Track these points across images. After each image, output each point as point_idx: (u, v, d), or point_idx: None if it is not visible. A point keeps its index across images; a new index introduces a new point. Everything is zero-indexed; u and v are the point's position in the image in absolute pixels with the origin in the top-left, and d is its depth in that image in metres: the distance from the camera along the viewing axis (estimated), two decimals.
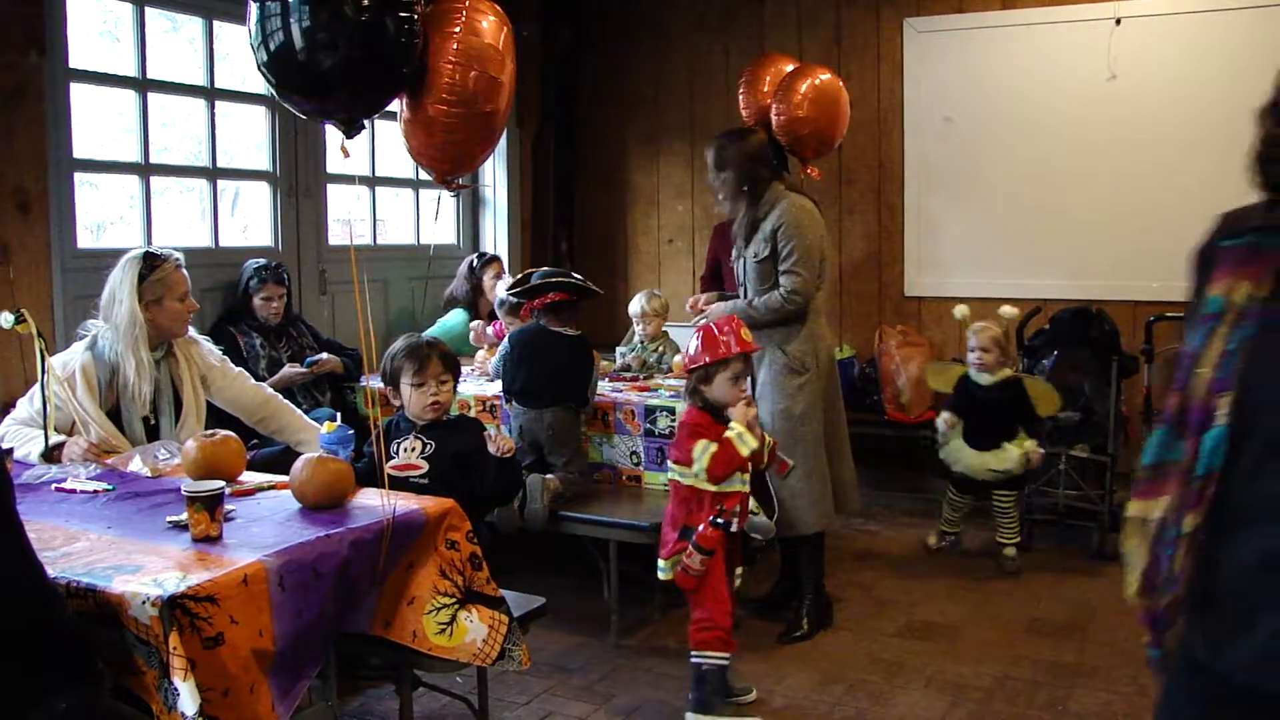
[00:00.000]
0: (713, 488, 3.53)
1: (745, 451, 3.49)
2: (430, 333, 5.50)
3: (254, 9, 2.77)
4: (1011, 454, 4.95)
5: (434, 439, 3.35)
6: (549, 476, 4.36)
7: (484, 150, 3.08)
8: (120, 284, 3.49)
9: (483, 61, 2.89)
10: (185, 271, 3.61)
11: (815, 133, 5.02)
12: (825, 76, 5.29)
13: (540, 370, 4.49)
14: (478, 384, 5.07)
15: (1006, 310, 5.15)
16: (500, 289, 5.31)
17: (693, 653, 3.55)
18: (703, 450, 3.49)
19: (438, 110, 2.87)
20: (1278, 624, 1.39)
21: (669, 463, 3.72)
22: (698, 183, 7.17)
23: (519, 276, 4.97)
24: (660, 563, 3.62)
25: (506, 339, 4.73)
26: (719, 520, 3.44)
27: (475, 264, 5.98)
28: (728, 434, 3.51)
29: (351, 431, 3.28)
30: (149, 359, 3.47)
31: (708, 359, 3.54)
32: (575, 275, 4.74)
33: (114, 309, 3.48)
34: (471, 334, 5.63)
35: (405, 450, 3.35)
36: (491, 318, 5.87)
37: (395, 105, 3.01)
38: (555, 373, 4.48)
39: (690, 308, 4.61)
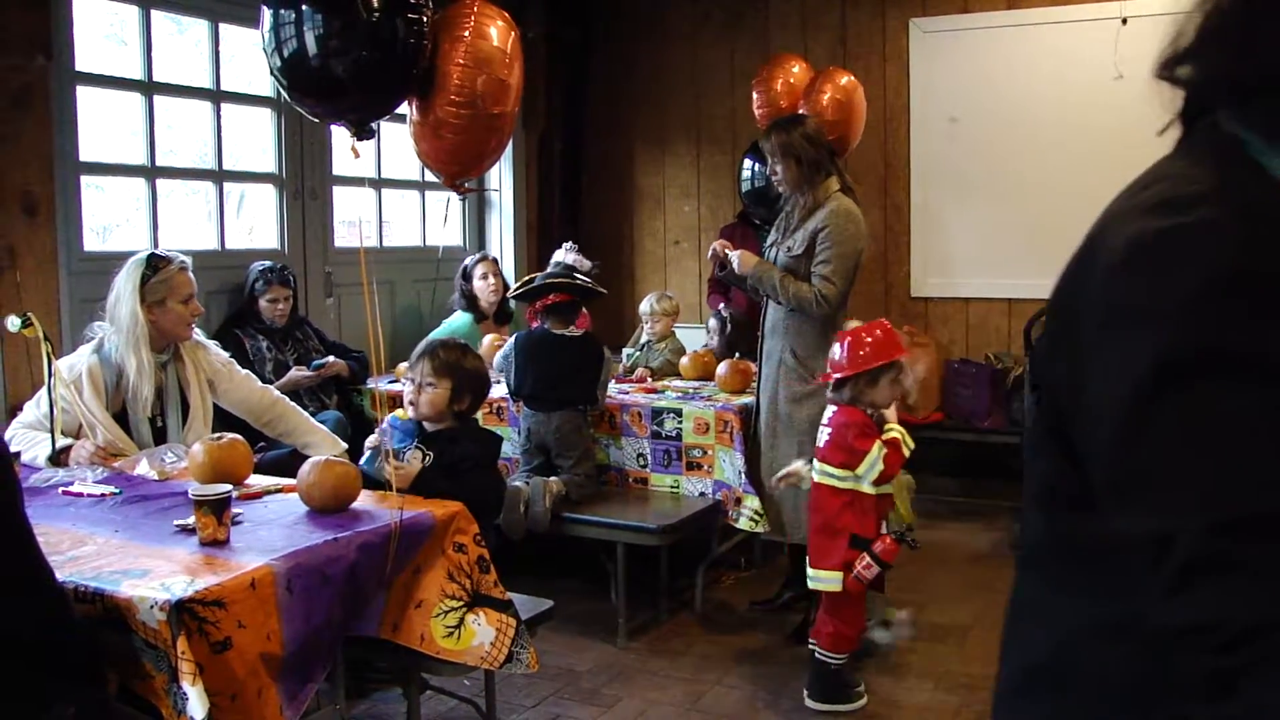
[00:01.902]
0: (874, 491, 3.53)
1: (907, 452, 3.54)
2: (435, 334, 5.54)
3: (267, 14, 2.79)
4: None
5: (435, 449, 3.28)
6: (551, 479, 4.35)
7: (492, 152, 3.10)
8: (124, 285, 3.48)
9: (490, 65, 2.92)
10: (191, 275, 3.60)
11: (840, 137, 5.06)
12: (847, 80, 5.36)
13: (545, 373, 4.48)
14: None
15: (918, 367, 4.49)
16: (563, 256, 5.34)
17: (819, 650, 3.62)
18: (878, 451, 3.48)
19: (446, 112, 2.89)
20: None
21: (819, 465, 3.62)
22: (704, 184, 7.16)
23: (524, 279, 4.97)
24: (822, 573, 3.56)
25: (510, 341, 4.72)
26: (907, 538, 3.51)
27: (468, 266, 5.94)
28: (892, 434, 3.53)
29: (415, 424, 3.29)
30: (150, 360, 3.46)
31: (879, 361, 3.52)
32: (579, 275, 4.72)
33: (117, 310, 3.48)
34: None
35: (407, 459, 3.31)
36: (498, 318, 5.86)
37: (404, 109, 3.03)
38: (560, 375, 4.48)
39: (717, 249, 4.37)
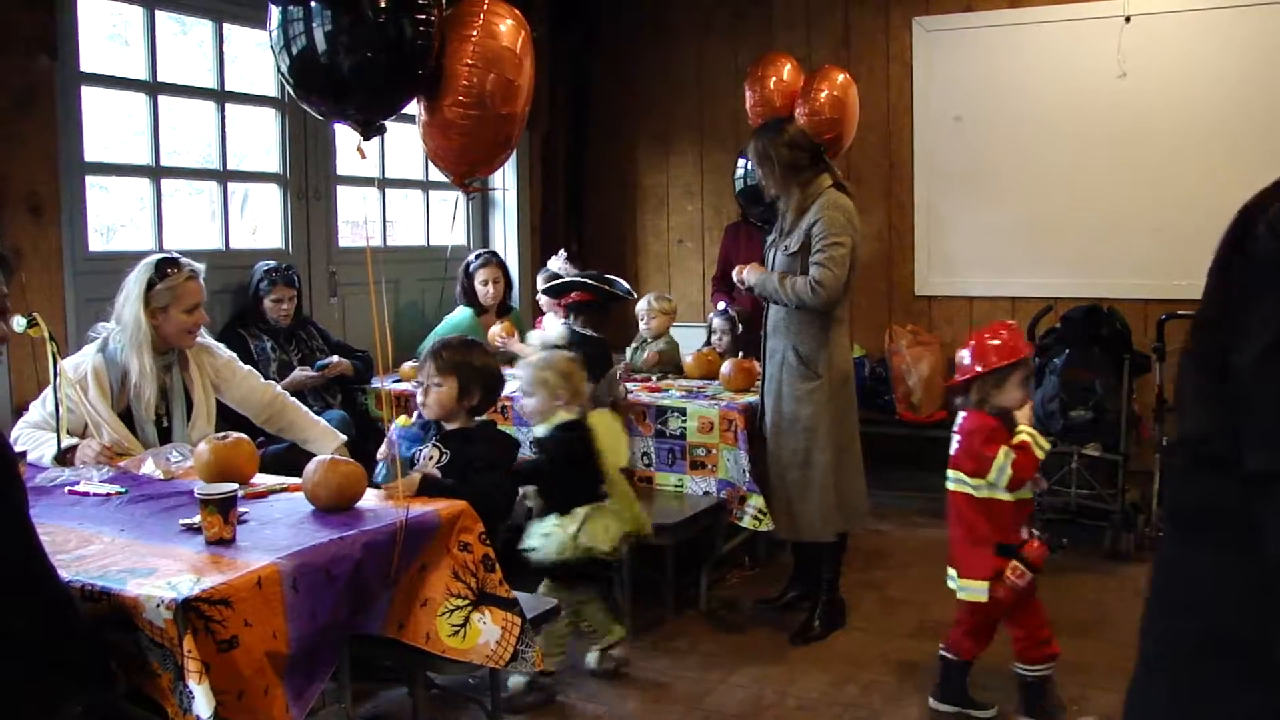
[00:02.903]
0: (1009, 496, 3.43)
1: (1040, 454, 3.42)
2: (437, 331, 5.64)
3: (275, 13, 2.80)
4: (553, 534, 3.70)
5: (451, 448, 3.29)
6: None
7: (501, 153, 3.09)
8: (131, 287, 3.50)
9: (499, 64, 2.91)
10: (201, 283, 3.60)
11: (836, 136, 5.08)
12: (842, 78, 5.39)
13: None
14: None
15: (535, 335, 4.21)
16: (553, 264, 5.58)
17: (1020, 666, 3.53)
18: (1005, 457, 3.37)
19: (454, 113, 2.88)
20: None
21: (953, 474, 3.53)
22: (707, 183, 7.16)
23: (555, 279, 5.02)
24: (971, 583, 3.47)
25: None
26: (1054, 541, 3.43)
27: (471, 264, 5.97)
28: (1022, 437, 3.42)
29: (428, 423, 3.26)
30: (151, 364, 3.47)
31: (1004, 361, 3.42)
32: (616, 279, 4.74)
33: (123, 311, 3.49)
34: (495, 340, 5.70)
35: (423, 459, 3.30)
36: (499, 314, 5.90)
37: (413, 108, 3.02)
38: None
39: (735, 275, 4.45)
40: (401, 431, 3.09)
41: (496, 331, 5.57)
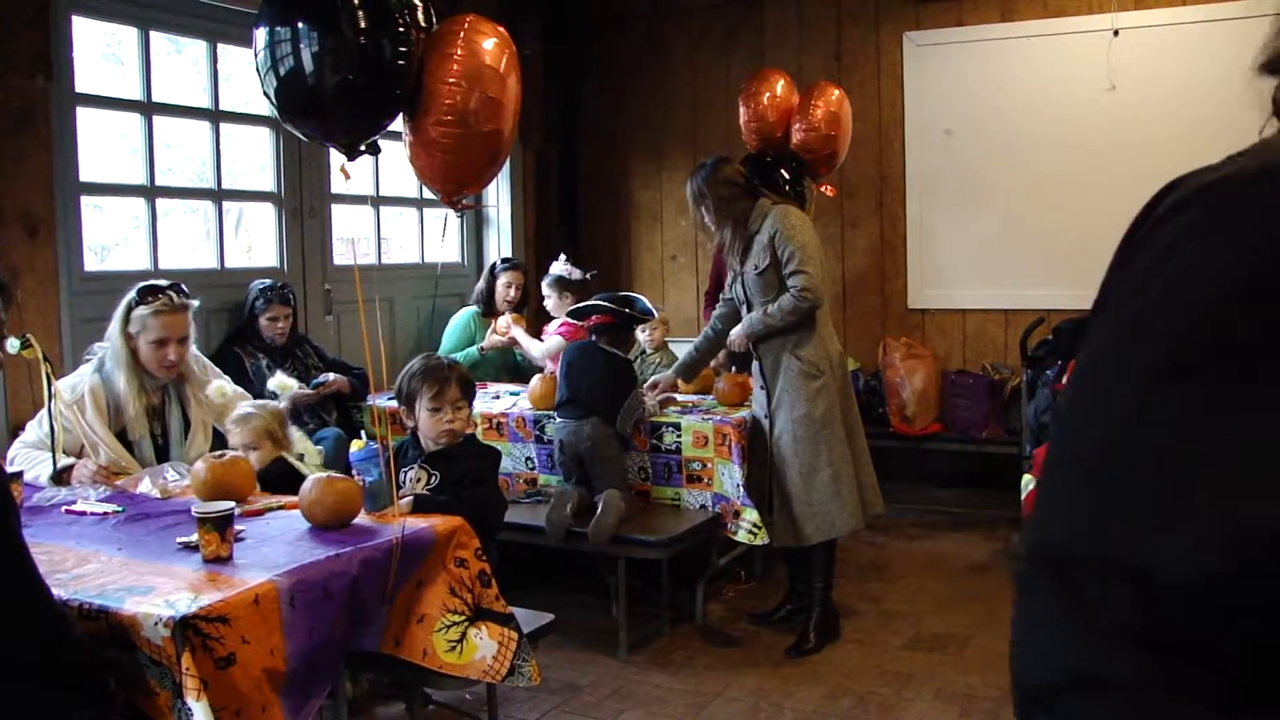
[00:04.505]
0: None
1: None
2: (452, 325, 5.90)
3: (260, 35, 2.82)
4: None
5: (439, 469, 3.30)
6: (621, 498, 4.33)
7: (487, 171, 3.09)
8: (120, 307, 3.50)
9: (482, 82, 2.92)
10: (184, 317, 3.53)
11: (834, 152, 5.14)
12: (837, 93, 5.45)
13: (583, 380, 4.55)
14: (485, 403, 5.07)
15: (280, 382, 4.13)
16: (556, 267, 5.80)
17: None
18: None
19: (437, 131, 2.89)
20: None
21: None
22: None
23: (580, 302, 5.10)
24: None
25: (563, 352, 4.83)
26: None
27: (497, 267, 6.09)
28: None
29: (378, 447, 3.24)
30: (132, 384, 3.46)
31: None
32: (637, 297, 4.81)
33: (110, 329, 3.50)
34: (501, 324, 5.85)
35: (410, 481, 3.30)
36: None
37: (400, 126, 3.04)
38: (595, 385, 4.51)
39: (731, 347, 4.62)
40: (357, 454, 3.06)
41: (507, 318, 5.78)
